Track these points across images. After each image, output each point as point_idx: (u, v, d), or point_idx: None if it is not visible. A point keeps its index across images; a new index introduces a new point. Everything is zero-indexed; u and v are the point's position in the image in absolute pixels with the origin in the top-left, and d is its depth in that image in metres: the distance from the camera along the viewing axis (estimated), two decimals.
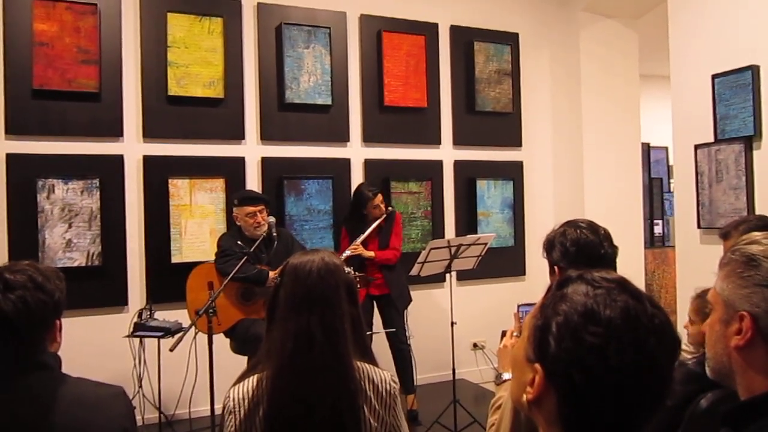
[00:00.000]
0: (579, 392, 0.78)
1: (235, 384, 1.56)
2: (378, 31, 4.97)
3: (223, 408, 1.54)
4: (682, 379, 1.44)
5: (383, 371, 1.61)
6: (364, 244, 4.20)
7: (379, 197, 4.26)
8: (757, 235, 1.10)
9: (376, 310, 4.33)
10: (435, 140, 5.18)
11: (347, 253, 4.12)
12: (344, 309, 1.55)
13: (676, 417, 1.42)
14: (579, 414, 0.79)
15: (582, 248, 1.76)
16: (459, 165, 5.25)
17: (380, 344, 4.17)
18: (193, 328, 3.44)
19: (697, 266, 3.98)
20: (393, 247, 4.28)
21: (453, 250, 3.93)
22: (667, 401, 0.81)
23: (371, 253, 4.19)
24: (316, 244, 4.59)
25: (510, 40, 5.44)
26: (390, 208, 4.31)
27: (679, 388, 1.41)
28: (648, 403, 0.79)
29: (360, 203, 4.29)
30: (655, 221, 7.19)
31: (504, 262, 5.32)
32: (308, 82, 4.71)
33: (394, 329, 4.20)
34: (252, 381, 1.53)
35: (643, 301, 0.81)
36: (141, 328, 3.76)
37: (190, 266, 3.95)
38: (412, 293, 4.43)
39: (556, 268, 1.79)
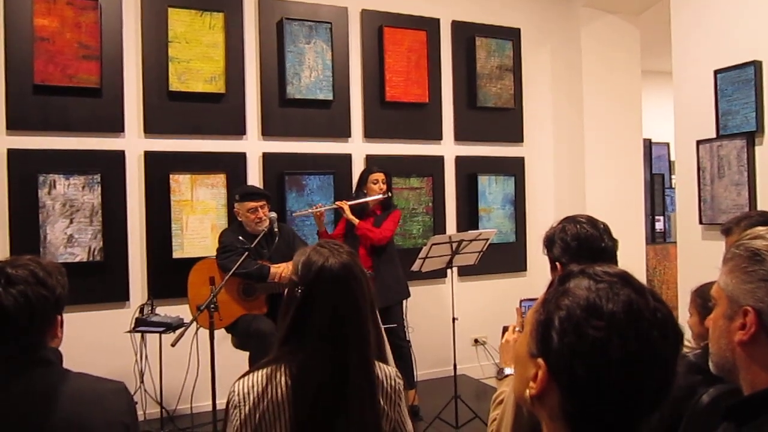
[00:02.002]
0: (582, 387, 0.78)
1: (239, 378, 1.55)
2: (379, 26, 4.95)
3: (228, 402, 1.53)
4: (684, 370, 1.43)
5: (388, 367, 1.60)
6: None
7: (381, 175, 4.24)
8: (761, 229, 1.09)
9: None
10: (436, 136, 5.17)
11: (332, 204, 4.21)
12: (369, 328, 1.54)
13: (678, 409, 1.41)
14: (582, 408, 0.79)
15: (583, 242, 1.75)
16: (460, 161, 5.24)
17: None
18: (195, 323, 3.45)
19: (699, 262, 3.98)
20: (383, 228, 4.16)
21: (454, 245, 3.92)
22: (670, 395, 0.81)
23: (354, 219, 4.12)
24: (317, 240, 4.58)
25: (512, 35, 5.42)
26: (390, 194, 4.28)
27: (680, 379, 1.40)
28: (651, 397, 0.79)
29: (362, 179, 4.31)
30: (657, 217, 7.20)
31: (505, 258, 5.32)
32: (309, 77, 4.70)
33: (394, 325, 4.18)
34: (257, 375, 1.52)
35: (645, 295, 0.81)
36: (142, 324, 3.76)
37: (191, 262, 3.96)
38: (413, 289, 4.39)
39: (557, 264, 1.78)
